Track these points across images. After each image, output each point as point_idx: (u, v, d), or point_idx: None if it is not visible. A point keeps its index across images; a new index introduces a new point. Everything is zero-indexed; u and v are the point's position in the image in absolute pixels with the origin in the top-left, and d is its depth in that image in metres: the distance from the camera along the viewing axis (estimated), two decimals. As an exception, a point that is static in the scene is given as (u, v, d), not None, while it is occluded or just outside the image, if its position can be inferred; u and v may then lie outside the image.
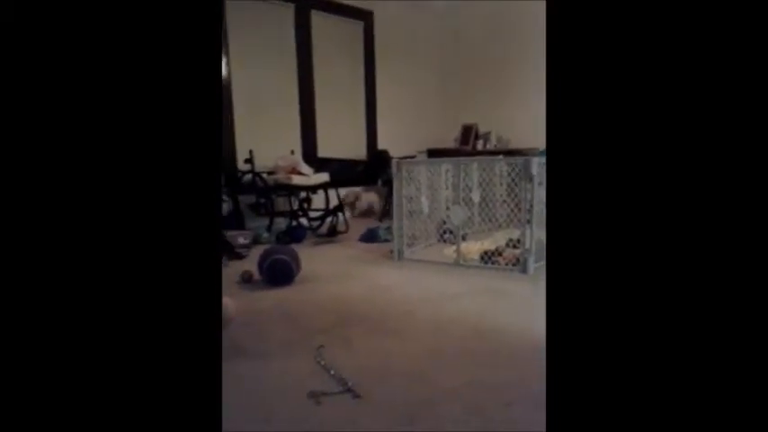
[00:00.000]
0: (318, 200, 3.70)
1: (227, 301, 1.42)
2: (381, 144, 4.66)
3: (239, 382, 1.25)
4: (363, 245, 3.11)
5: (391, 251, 2.73)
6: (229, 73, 3.59)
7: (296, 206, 3.58)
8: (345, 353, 1.40)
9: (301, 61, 4.05)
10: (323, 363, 1.33)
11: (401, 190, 2.57)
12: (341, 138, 4.42)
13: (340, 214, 3.48)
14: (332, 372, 1.27)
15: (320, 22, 4.13)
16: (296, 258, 2.22)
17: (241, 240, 3.06)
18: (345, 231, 3.37)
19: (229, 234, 3.08)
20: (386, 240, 3.14)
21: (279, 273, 2.15)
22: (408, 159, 2.85)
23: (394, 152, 4.15)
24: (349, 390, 1.18)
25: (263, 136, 3.72)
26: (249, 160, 3.41)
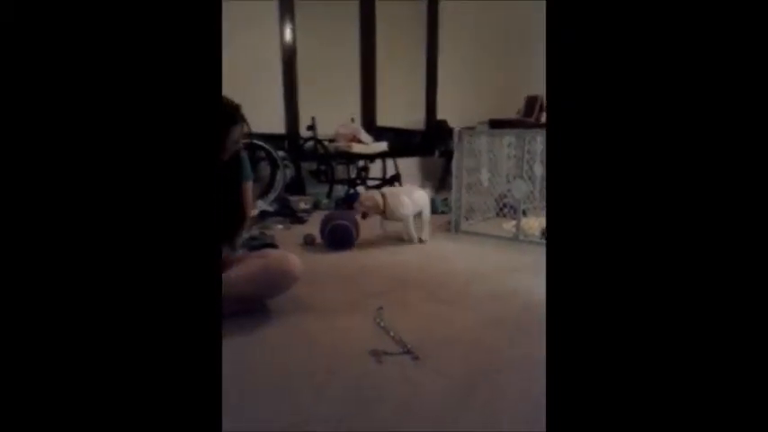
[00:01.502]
0: (376, 169, 3.73)
1: (294, 260, 1.50)
2: (441, 114, 4.58)
3: (304, 336, 1.33)
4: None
5: (448, 222, 2.73)
6: (294, 41, 3.63)
7: (354, 174, 3.64)
8: (404, 316, 1.44)
9: (364, 28, 4.01)
10: (383, 324, 1.38)
11: (462, 161, 2.53)
12: (400, 107, 4.38)
13: (397, 183, 3.50)
14: (392, 333, 1.32)
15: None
16: (356, 224, 2.28)
17: (302, 205, 3.19)
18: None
19: (292, 199, 3.21)
20: (442, 212, 3.13)
21: (340, 238, 2.22)
22: (469, 130, 2.79)
23: (453, 123, 4.06)
24: (408, 352, 1.22)
25: (325, 103, 3.77)
26: (311, 127, 3.48)
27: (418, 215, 2.43)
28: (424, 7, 4.37)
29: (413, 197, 2.38)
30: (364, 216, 2.32)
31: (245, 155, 1.58)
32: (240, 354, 1.22)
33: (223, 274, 1.43)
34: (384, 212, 2.34)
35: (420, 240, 2.40)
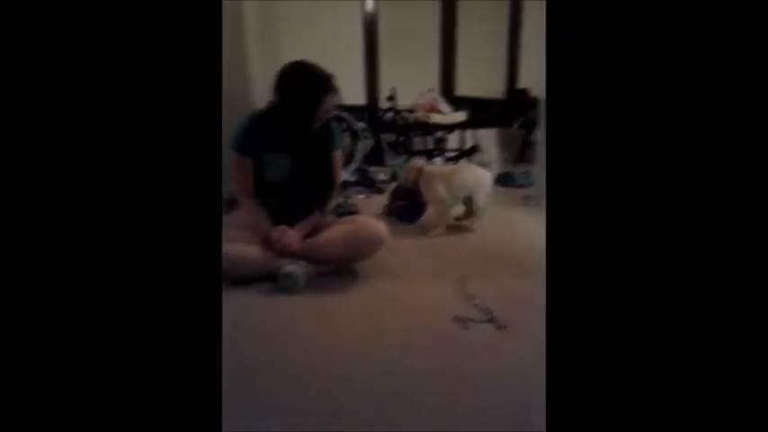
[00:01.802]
0: (454, 141, 3.68)
1: (382, 225, 1.57)
2: (524, 81, 4.36)
3: (390, 299, 1.41)
4: (498, 188, 3.06)
5: (526, 197, 2.65)
6: (376, 10, 3.63)
7: (431, 146, 3.63)
8: (487, 287, 1.46)
9: (446, -7, 3.89)
10: (467, 292, 1.41)
11: (548, 132, 2.42)
12: (480, 75, 4.24)
13: (475, 155, 3.44)
14: (476, 301, 1.35)
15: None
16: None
17: (381, 176, 3.26)
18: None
19: (371, 170, 3.29)
20: (521, 185, 3.04)
21: (404, 214, 2.23)
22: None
23: (537, 91, 3.86)
24: (492, 320, 1.25)
25: (405, 74, 3.75)
26: (391, 98, 3.50)
27: (468, 199, 2.07)
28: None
29: (454, 181, 2.01)
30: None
31: (335, 124, 1.65)
32: (331, 311, 1.33)
33: (314, 238, 1.54)
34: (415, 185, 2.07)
35: (464, 227, 2.09)
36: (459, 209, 2.16)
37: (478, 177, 2.05)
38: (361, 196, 2.86)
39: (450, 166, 2.28)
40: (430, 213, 2.15)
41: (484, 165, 2.52)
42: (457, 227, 2.11)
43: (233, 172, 1.53)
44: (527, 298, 1.39)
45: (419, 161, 2.18)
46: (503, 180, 3.14)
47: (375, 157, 3.47)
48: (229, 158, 1.51)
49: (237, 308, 1.33)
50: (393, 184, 2.91)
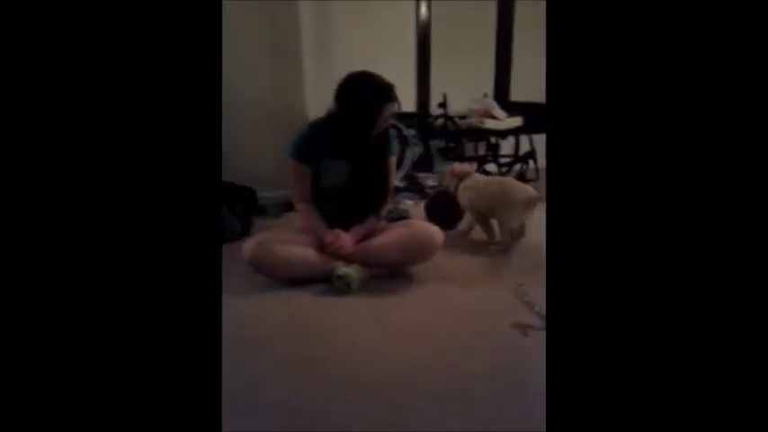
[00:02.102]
0: (507, 147, 3.59)
1: (437, 230, 1.55)
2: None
3: (449, 302, 1.38)
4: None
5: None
6: (430, 16, 3.64)
7: (483, 152, 3.56)
8: (544, 295, 1.39)
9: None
10: (526, 299, 1.35)
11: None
12: (536, 80, 4.11)
13: (531, 161, 3.33)
14: (537, 309, 1.29)
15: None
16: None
17: (429, 182, 3.24)
18: (536, 179, 3.22)
19: (420, 176, 3.27)
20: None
21: (436, 210, 2.17)
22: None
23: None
24: (555, 328, 1.19)
25: (457, 80, 3.72)
26: (442, 104, 3.48)
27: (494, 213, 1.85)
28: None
29: (481, 193, 1.84)
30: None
31: (391, 131, 1.65)
32: (385, 313, 1.32)
33: (370, 241, 1.55)
34: (456, 189, 1.94)
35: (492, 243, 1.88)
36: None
37: (507, 193, 1.78)
38: (410, 202, 2.85)
39: (488, 177, 2.02)
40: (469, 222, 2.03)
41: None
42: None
43: (292, 178, 1.57)
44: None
45: (460, 166, 2.04)
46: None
47: (424, 164, 3.46)
48: (288, 165, 1.56)
49: (293, 307, 1.36)
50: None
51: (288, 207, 1.94)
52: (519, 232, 1.87)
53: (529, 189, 1.79)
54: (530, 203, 1.76)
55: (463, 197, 1.93)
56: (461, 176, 1.95)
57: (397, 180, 3.21)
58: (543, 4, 3.61)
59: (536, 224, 2.24)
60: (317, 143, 1.53)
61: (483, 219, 1.92)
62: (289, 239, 1.51)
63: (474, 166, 2.09)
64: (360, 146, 1.53)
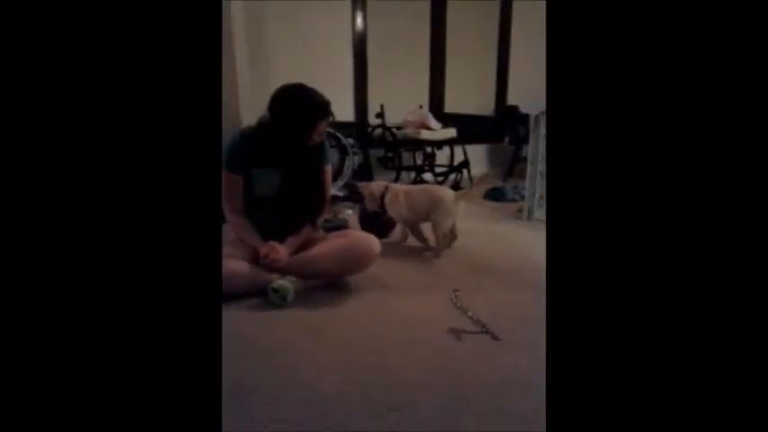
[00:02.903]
0: (443, 157, 3.71)
1: (375, 240, 1.55)
2: (512, 99, 4.43)
3: (387, 311, 1.38)
4: (489, 203, 3.08)
5: (519, 210, 2.66)
6: (365, 28, 3.69)
7: (420, 161, 3.65)
8: (480, 299, 1.45)
9: (435, 12, 3.97)
10: (459, 305, 1.40)
11: (537, 147, 2.45)
12: (468, 93, 4.30)
13: (465, 171, 3.46)
14: (470, 313, 1.33)
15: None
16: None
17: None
18: (470, 188, 3.35)
19: (360, 185, 3.28)
20: (513, 200, 3.05)
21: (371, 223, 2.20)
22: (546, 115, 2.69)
23: (525, 108, 3.92)
24: (487, 331, 1.23)
25: (394, 91, 3.80)
26: (380, 115, 3.53)
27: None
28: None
29: (412, 201, 1.93)
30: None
31: (325, 141, 1.64)
32: (324, 324, 1.30)
33: (306, 252, 1.52)
34: (382, 206, 2.02)
35: (427, 249, 1.99)
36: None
37: (435, 198, 1.89)
38: (349, 211, 2.84)
39: (412, 186, 2.14)
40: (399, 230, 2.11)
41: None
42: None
43: (222, 188, 1.51)
44: (522, 310, 1.38)
45: (374, 185, 2.11)
46: (494, 195, 3.16)
47: (364, 172, 3.48)
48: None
49: (226, 323, 1.29)
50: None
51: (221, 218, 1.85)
52: (451, 237, 1.99)
53: (449, 189, 1.97)
54: (458, 201, 1.91)
55: (392, 210, 2.00)
56: (380, 194, 2.02)
57: (335, 189, 3.19)
58: (475, 20, 3.76)
59: (470, 231, 2.33)
60: (248, 152, 1.49)
61: (415, 227, 2.02)
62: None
63: (381, 183, 2.12)
64: (293, 155, 1.51)
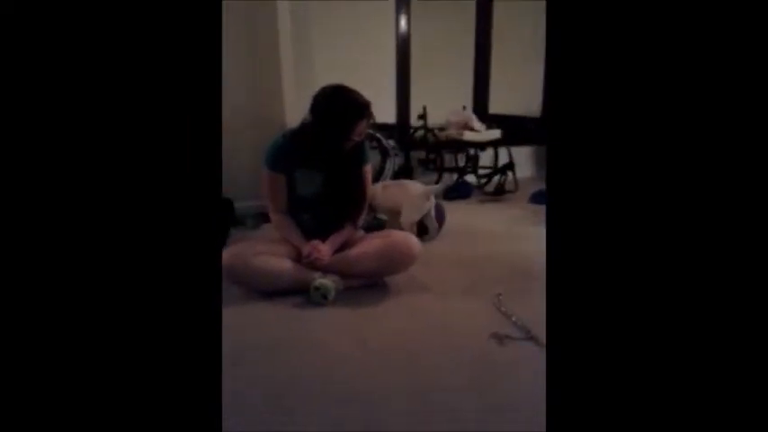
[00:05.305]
0: (486, 159, 3.64)
1: (415, 240, 1.55)
2: (558, 100, 4.28)
3: (427, 313, 1.36)
4: (533, 206, 2.98)
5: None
6: (409, 30, 3.68)
7: (463, 163, 3.59)
8: (524, 304, 1.40)
9: (480, 11, 3.91)
10: (503, 309, 1.35)
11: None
12: (514, 93, 4.20)
13: (509, 173, 3.37)
14: (514, 318, 1.29)
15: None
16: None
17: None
18: (514, 191, 3.26)
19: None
20: (559, 203, 2.94)
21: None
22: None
23: (573, 109, 3.77)
24: (532, 338, 1.19)
25: (437, 92, 3.77)
26: (422, 116, 3.51)
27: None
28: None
29: (386, 194, 2.11)
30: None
31: (365, 141, 1.65)
32: (365, 327, 1.30)
33: (348, 251, 1.53)
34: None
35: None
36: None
37: (405, 192, 2.07)
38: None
39: (389, 182, 2.32)
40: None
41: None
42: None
43: (266, 188, 1.55)
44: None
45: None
46: (539, 198, 3.06)
47: (405, 174, 3.47)
48: (262, 175, 1.54)
49: (269, 321, 1.33)
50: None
51: (265, 218, 1.90)
52: (419, 229, 2.08)
53: (420, 185, 2.14)
54: (427, 196, 2.05)
55: (376, 200, 2.15)
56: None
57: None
58: (521, 20, 3.68)
59: (514, 235, 2.26)
60: (291, 153, 1.52)
61: (397, 219, 2.11)
62: (265, 250, 1.48)
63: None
64: (334, 156, 1.52)
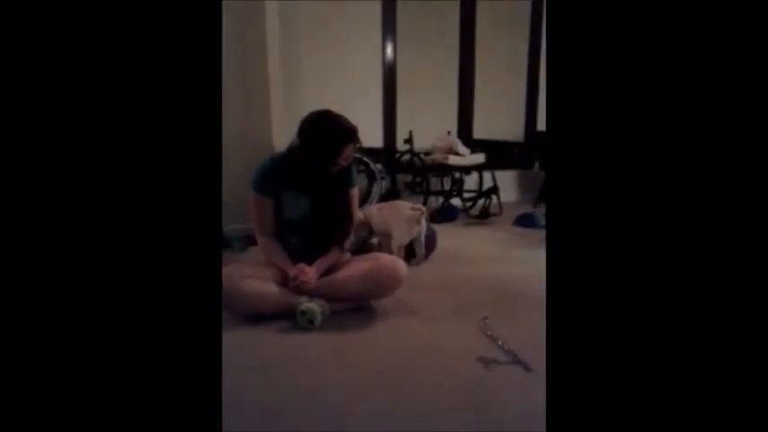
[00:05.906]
0: (471, 182, 3.70)
1: (402, 264, 1.54)
2: (542, 125, 4.41)
3: (414, 337, 1.36)
4: (518, 229, 3.02)
5: (550, 237, 2.60)
6: (395, 57, 3.78)
7: (448, 186, 3.64)
8: (510, 327, 1.40)
9: (464, 39, 4.04)
10: (489, 333, 1.36)
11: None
12: (498, 119, 4.31)
13: (494, 196, 3.43)
14: (500, 342, 1.29)
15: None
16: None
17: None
18: (499, 214, 3.31)
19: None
20: (543, 227, 2.99)
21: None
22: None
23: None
24: (519, 362, 1.19)
25: (423, 117, 3.85)
26: (408, 140, 3.57)
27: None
28: (526, 7, 4.24)
29: (379, 216, 2.17)
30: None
31: (352, 165, 1.67)
32: (351, 350, 1.28)
33: (334, 275, 1.53)
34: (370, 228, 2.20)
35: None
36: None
37: (394, 213, 2.13)
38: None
39: (384, 204, 2.36)
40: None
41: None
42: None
43: (253, 211, 1.55)
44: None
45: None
46: (524, 221, 3.10)
47: (391, 197, 3.49)
48: (249, 198, 1.54)
49: (254, 346, 1.30)
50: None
51: (252, 241, 1.89)
52: (407, 253, 2.11)
53: (414, 208, 2.17)
54: (417, 219, 2.09)
55: (375, 226, 2.19)
56: (365, 218, 2.19)
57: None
58: (504, 43, 3.79)
59: (499, 257, 2.28)
60: (278, 176, 1.53)
61: (389, 241, 2.14)
62: (251, 274, 1.47)
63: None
64: (321, 180, 1.54)
